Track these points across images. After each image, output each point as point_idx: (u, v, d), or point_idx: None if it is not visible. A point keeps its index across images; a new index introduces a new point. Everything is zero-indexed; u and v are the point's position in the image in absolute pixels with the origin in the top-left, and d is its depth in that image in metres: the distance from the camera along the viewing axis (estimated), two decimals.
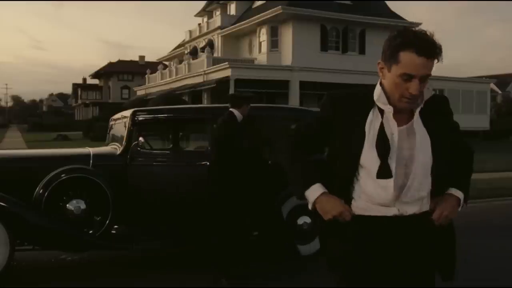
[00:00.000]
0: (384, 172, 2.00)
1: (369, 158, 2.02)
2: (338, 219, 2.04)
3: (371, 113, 2.04)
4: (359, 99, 2.09)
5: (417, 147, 2.01)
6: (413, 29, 2.00)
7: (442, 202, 2.08)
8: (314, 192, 2.08)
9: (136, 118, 5.40)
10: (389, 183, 2.01)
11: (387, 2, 36.30)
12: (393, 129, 2.02)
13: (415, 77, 1.92)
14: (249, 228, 5.29)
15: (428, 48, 1.90)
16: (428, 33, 1.93)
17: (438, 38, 1.93)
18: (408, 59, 1.90)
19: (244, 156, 4.86)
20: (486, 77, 43.12)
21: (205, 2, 42.77)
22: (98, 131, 27.54)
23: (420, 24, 35.60)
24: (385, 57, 1.98)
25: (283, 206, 5.40)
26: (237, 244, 4.91)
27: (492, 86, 42.04)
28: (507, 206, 9.52)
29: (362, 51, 32.94)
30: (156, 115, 6.02)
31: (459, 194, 2.13)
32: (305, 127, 2.22)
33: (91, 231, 4.98)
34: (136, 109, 5.72)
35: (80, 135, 36.78)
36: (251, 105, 5.15)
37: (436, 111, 2.09)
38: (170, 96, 29.77)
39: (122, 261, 5.60)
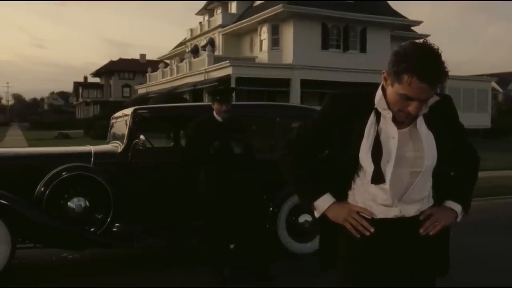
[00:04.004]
0: (377, 177, 2.00)
1: (366, 161, 2.02)
2: (358, 223, 2.05)
3: (372, 115, 2.02)
4: (361, 100, 2.07)
5: (421, 148, 2.00)
6: (420, 42, 1.90)
7: (437, 214, 2.08)
8: (324, 202, 2.11)
9: (137, 116, 5.40)
10: (386, 186, 2.01)
11: (389, 1, 36.23)
12: (392, 133, 2.00)
13: (416, 100, 1.90)
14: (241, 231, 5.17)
15: (433, 76, 1.85)
16: (435, 54, 1.86)
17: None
18: (410, 83, 1.85)
19: (217, 157, 4.63)
20: (487, 75, 43.03)
21: (206, 0, 42.72)
22: (99, 129, 27.56)
23: (421, 22, 35.61)
24: (389, 71, 1.93)
25: (284, 204, 5.41)
26: (228, 244, 4.81)
27: (493, 84, 41.98)
28: (508, 204, 9.52)
29: (363, 49, 32.88)
30: (157, 113, 6.03)
31: (457, 207, 2.14)
32: (306, 128, 2.20)
33: (92, 229, 4.99)
34: (137, 107, 5.72)
35: (81, 134, 36.77)
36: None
37: (441, 111, 2.07)
38: (171, 95, 29.79)
39: (123, 260, 5.61)
